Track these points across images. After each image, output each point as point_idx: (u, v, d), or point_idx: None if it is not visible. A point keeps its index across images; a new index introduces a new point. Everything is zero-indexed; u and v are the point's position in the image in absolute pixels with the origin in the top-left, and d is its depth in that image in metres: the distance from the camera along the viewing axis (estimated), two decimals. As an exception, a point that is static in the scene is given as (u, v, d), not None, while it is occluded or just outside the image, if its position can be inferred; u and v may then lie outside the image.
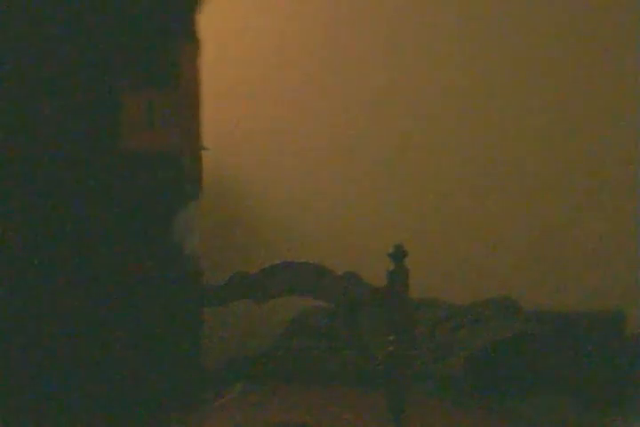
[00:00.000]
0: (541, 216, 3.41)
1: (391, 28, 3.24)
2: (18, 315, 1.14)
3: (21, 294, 1.13)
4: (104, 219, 1.15)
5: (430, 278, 3.12)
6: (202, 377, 1.95)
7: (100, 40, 1.18)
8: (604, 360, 2.83)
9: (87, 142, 1.18)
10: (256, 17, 3.54)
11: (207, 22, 3.49)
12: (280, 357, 3.02)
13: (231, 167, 3.24)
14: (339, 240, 3.39)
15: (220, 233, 3.36)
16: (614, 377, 2.78)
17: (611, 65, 3.40)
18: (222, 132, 3.27)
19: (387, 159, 3.40)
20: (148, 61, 1.24)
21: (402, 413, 1.95)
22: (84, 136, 1.18)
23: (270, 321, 3.16)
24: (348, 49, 3.33)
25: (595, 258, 3.33)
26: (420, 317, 3.01)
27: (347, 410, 2.52)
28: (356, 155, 3.39)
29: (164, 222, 1.27)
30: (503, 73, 3.41)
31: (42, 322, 1.17)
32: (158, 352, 1.82)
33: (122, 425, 1.46)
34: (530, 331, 2.89)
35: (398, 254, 1.95)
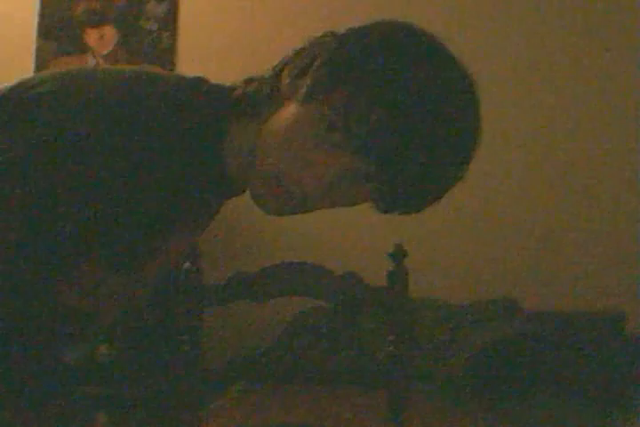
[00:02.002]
0: (541, 216, 3.41)
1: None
2: (16, 314, 1.13)
3: (21, 293, 1.13)
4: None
5: (430, 278, 3.12)
6: (202, 377, 1.94)
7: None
8: (604, 360, 2.83)
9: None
10: (256, 18, 3.55)
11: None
12: (280, 357, 3.01)
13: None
14: (339, 240, 3.39)
15: (220, 233, 3.36)
16: (614, 377, 2.78)
17: (611, 65, 3.40)
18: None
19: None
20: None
21: (402, 413, 1.95)
22: None
23: (270, 321, 3.16)
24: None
25: (595, 258, 3.33)
26: (420, 317, 3.01)
27: (347, 410, 2.51)
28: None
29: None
30: (503, 72, 3.41)
31: (40, 322, 1.16)
32: (158, 352, 1.82)
33: (122, 425, 1.46)
34: (530, 331, 2.89)
35: (398, 254, 1.95)
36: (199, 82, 1.25)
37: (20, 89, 1.17)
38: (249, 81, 1.26)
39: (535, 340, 2.85)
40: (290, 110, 1.17)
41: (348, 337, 3.05)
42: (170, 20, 3.59)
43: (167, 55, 3.56)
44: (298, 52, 1.22)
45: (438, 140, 1.14)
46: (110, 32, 3.61)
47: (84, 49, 3.59)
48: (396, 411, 1.94)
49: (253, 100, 1.23)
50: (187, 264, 1.93)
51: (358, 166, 1.15)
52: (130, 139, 1.13)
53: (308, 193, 1.16)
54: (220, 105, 1.23)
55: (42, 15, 3.60)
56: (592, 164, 3.40)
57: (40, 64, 3.55)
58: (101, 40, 3.60)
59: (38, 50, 3.58)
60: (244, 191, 1.27)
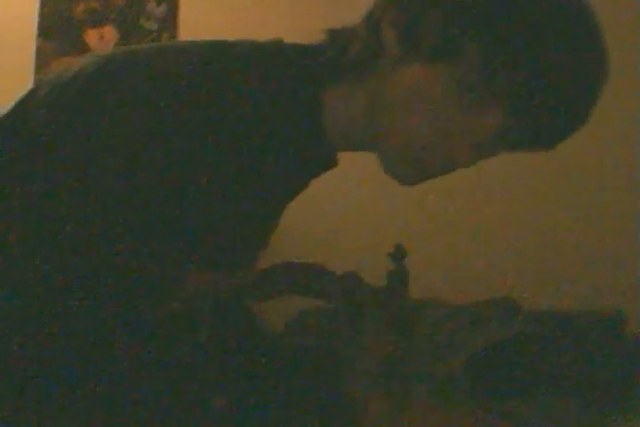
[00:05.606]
0: (541, 216, 3.41)
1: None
2: (18, 313, 1.13)
3: (22, 293, 1.13)
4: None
5: (430, 278, 3.12)
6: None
7: None
8: (604, 360, 2.82)
9: None
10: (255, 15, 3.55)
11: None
12: (280, 357, 3.01)
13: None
14: (339, 240, 3.39)
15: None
16: (614, 377, 2.78)
17: (611, 65, 3.40)
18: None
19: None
20: None
21: (402, 413, 1.95)
22: None
23: (270, 321, 3.16)
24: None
25: (595, 258, 3.33)
26: (420, 317, 3.01)
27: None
28: (355, 154, 3.39)
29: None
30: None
31: (40, 322, 1.16)
32: (158, 352, 1.82)
33: (122, 425, 1.46)
34: (530, 331, 2.89)
35: (398, 254, 1.96)
36: (278, 44, 1.12)
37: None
38: (335, 35, 1.13)
39: (535, 340, 2.85)
40: (413, 72, 1.07)
41: (347, 337, 3.05)
42: (170, 20, 3.59)
43: (167, 55, 3.56)
44: (392, 1, 1.10)
45: (576, 87, 1.14)
46: (110, 32, 3.61)
47: (84, 49, 3.58)
48: (395, 411, 1.94)
49: (354, 59, 1.10)
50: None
51: (499, 122, 1.09)
52: (215, 116, 1.02)
53: (456, 158, 1.13)
54: (313, 68, 1.10)
55: (42, 15, 3.60)
56: (592, 163, 3.40)
57: (40, 64, 3.55)
58: (101, 40, 3.60)
59: (38, 50, 3.58)
60: (336, 165, 1.19)
